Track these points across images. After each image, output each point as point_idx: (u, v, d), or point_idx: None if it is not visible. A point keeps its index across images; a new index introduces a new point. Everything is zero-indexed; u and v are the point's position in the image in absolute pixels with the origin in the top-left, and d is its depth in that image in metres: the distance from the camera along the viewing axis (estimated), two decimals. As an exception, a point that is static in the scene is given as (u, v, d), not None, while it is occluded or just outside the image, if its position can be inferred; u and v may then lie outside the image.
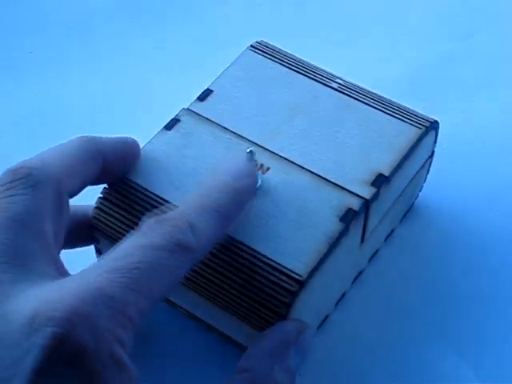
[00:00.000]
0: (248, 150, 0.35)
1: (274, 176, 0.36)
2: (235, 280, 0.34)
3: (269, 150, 0.37)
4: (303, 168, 0.37)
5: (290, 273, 0.33)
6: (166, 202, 0.36)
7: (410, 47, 0.52)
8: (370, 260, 0.41)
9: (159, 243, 0.29)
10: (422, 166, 0.41)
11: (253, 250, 0.34)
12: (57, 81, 0.51)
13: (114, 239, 0.35)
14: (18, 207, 0.30)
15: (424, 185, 0.43)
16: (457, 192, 0.44)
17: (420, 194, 0.43)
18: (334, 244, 0.34)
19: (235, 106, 0.39)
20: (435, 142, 0.41)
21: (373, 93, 0.40)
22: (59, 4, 0.56)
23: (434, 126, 0.39)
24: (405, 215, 0.43)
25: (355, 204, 0.35)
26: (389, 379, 0.37)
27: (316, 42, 0.52)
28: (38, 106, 0.49)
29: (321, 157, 0.37)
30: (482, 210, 0.44)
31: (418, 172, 0.40)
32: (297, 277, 0.33)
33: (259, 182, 0.36)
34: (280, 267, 0.33)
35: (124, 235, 0.31)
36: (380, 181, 0.36)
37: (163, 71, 0.51)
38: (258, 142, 0.38)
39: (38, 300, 0.26)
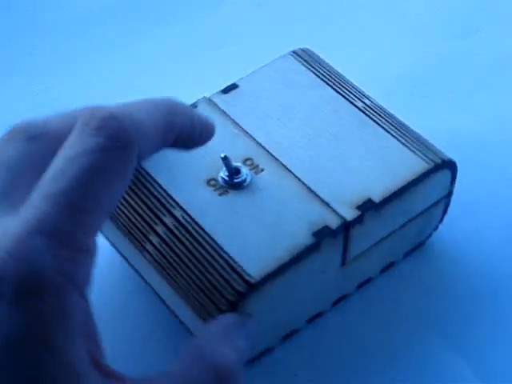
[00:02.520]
0: (222, 156, 0.35)
1: (266, 178, 0.36)
2: (191, 268, 0.34)
3: (269, 153, 0.37)
4: (296, 176, 0.36)
5: (242, 273, 0.33)
6: (159, 186, 0.36)
7: (410, 47, 0.52)
8: (359, 287, 0.40)
9: (92, 145, 0.27)
10: (435, 205, 0.39)
11: (216, 242, 0.34)
12: (57, 81, 0.51)
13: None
14: (9, 155, 0.29)
15: (441, 226, 0.41)
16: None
17: (435, 233, 0.41)
18: (300, 257, 0.34)
19: (254, 105, 0.39)
20: (453, 182, 0.39)
21: (397, 120, 0.39)
22: (59, 4, 0.56)
23: (448, 164, 0.38)
24: (412, 252, 0.41)
25: (334, 223, 0.35)
26: (388, 379, 0.37)
27: (316, 42, 0.52)
28: (38, 106, 0.49)
29: (318, 170, 0.36)
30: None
31: (427, 209, 0.39)
32: (247, 278, 0.33)
33: (248, 180, 0.36)
34: (235, 265, 0.33)
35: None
36: (367, 206, 0.35)
37: (162, 71, 0.51)
38: (262, 143, 0.38)
39: None
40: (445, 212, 0.41)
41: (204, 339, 0.31)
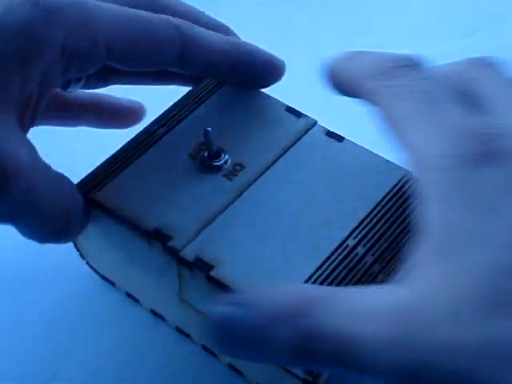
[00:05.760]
0: (206, 128, 0.35)
1: (227, 183, 0.35)
2: None
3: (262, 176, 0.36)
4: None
5: (102, 186, 0.35)
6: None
7: (410, 46, 0.52)
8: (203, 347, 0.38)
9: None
10: None
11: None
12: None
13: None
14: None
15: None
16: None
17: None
18: (129, 228, 0.34)
19: None
20: None
21: None
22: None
23: None
24: None
25: (178, 243, 0.33)
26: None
27: (316, 42, 0.52)
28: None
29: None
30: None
31: None
32: (96, 191, 0.34)
33: (220, 173, 0.36)
34: (108, 179, 0.35)
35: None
36: None
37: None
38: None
39: None
40: None
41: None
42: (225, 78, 0.38)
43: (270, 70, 0.38)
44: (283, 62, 0.38)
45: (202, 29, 0.36)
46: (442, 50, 0.52)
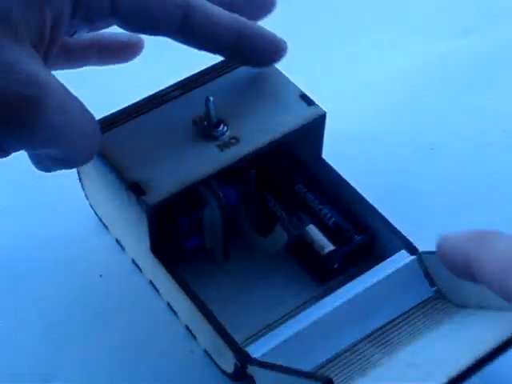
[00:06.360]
0: (208, 97, 0.36)
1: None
2: None
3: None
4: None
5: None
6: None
7: (410, 47, 0.52)
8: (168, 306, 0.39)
9: None
10: None
11: None
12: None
13: None
14: None
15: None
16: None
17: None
18: (112, 171, 0.35)
19: None
20: None
21: None
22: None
23: None
24: None
25: (150, 198, 0.34)
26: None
27: (316, 42, 0.52)
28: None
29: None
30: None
31: None
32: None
33: (215, 142, 0.36)
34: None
35: None
36: None
37: (163, 71, 0.51)
38: None
39: None
40: None
41: None
42: (224, 54, 0.38)
43: (272, 49, 0.38)
44: (285, 42, 0.38)
45: (208, 3, 0.36)
46: (442, 50, 0.52)
